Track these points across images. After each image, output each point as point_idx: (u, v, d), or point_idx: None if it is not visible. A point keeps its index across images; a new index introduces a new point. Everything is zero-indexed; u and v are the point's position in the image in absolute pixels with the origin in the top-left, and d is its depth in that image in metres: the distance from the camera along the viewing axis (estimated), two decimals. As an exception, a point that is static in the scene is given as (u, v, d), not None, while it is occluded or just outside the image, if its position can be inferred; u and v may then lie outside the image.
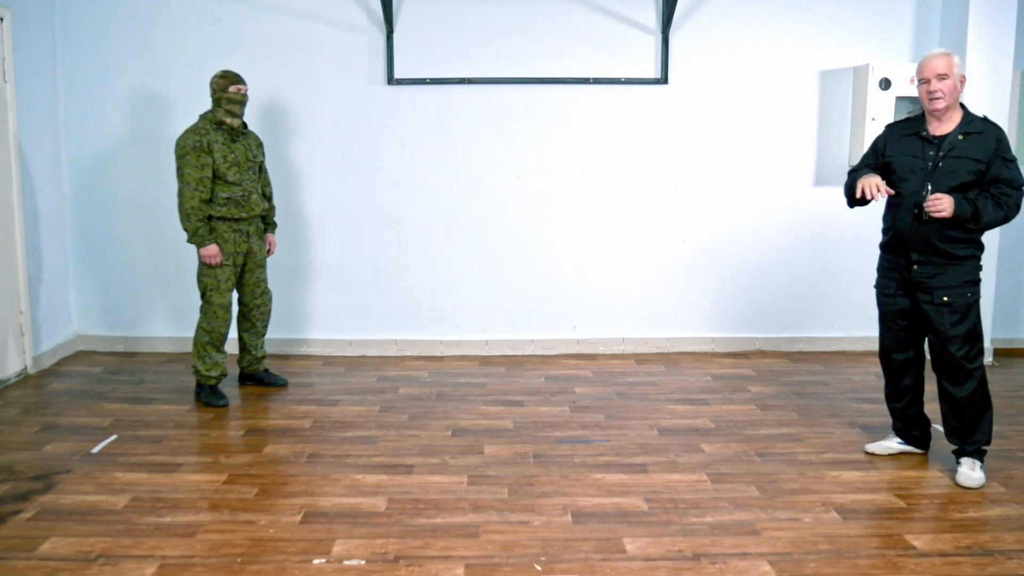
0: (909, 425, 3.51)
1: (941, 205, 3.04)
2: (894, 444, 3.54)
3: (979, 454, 3.29)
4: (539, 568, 2.62)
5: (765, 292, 5.20)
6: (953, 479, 3.28)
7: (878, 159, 3.33)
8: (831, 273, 5.17)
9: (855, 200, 3.28)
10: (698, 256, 5.14)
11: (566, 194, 5.07)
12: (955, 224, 3.10)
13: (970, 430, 3.26)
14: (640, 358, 5.10)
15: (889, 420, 3.60)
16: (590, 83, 4.95)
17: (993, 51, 4.72)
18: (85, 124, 4.96)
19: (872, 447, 3.57)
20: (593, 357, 5.12)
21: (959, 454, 3.32)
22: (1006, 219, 3.12)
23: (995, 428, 3.30)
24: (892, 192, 3.21)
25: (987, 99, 4.71)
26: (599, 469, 3.40)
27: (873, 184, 3.15)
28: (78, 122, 4.96)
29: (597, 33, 4.93)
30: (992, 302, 4.93)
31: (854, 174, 3.34)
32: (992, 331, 5.03)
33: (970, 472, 3.25)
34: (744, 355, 5.16)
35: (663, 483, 3.26)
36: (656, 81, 4.97)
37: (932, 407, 3.48)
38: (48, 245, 4.87)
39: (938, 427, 3.49)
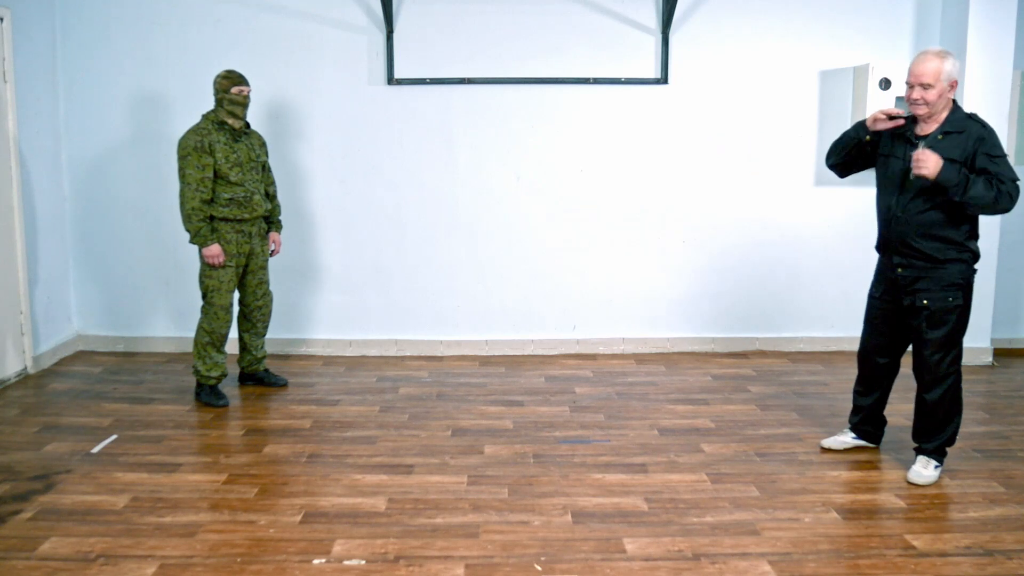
0: (866, 421, 3.57)
1: (926, 162, 2.96)
2: (848, 439, 3.61)
3: (937, 453, 3.29)
4: (539, 568, 2.62)
5: (765, 292, 5.20)
6: (951, 479, 3.28)
7: (875, 136, 3.29)
8: (831, 273, 5.17)
9: (847, 150, 3.32)
10: (698, 256, 5.14)
11: (566, 194, 5.07)
12: (939, 203, 3.04)
13: (935, 432, 3.27)
14: (640, 358, 5.09)
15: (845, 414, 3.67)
16: (590, 83, 4.95)
17: (993, 51, 4.72)
18: (85, 124, 4.96)
19: (827, 442, 3.62)
20: (593, 357, 5.12)
21: (917, 451, 3.33)
22: (996, 203, 2.95)
23: (995, 428, 3.30)
24: (901, 114, 3.17)
25: (987, 99, 4.71)
26: (599, 469, 3.40)
27: (880, 111, 3.17)
28: (78, 122, 4.96)
29: (597, 33, 4.92)
30: (992, 302, 4.94)
31: (848, 131, 3.38)
32: (992, 331, 5.03)
33: (922, 470, 3.27)
34: (744, 355, 5.15)
35: (663, 483, 3.26)
36: (656, 81, 4.97)
37: (900, 407, 3.47)
38: (48, 245, 4.87)
39: None
